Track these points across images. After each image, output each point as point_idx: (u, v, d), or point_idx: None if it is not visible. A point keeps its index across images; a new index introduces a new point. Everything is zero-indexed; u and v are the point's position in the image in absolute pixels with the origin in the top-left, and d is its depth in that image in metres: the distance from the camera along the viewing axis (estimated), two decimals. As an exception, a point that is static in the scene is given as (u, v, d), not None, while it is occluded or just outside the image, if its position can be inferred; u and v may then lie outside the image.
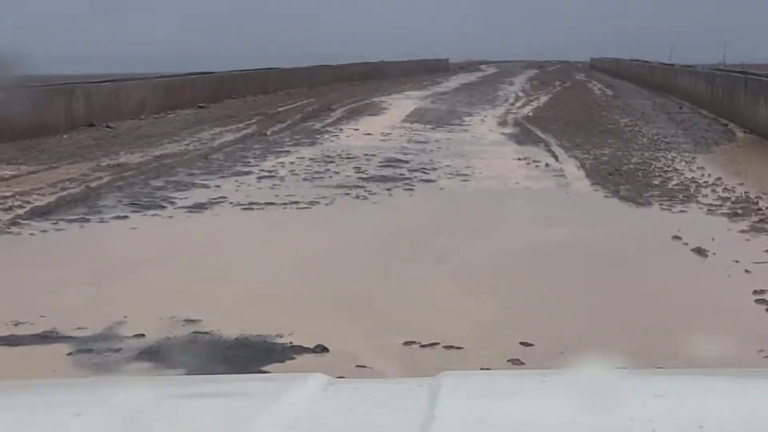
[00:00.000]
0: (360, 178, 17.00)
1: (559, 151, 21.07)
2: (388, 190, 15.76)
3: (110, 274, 9.76)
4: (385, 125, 27.23)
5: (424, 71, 71.83)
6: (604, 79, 57.84)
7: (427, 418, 1.76)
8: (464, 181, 16.84)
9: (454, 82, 57.65)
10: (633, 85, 50.38)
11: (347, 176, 17.23)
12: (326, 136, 24.40)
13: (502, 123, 28.32)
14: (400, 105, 35.09)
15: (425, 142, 23.09)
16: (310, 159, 19.72)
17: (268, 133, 24.76)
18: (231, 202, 14.40)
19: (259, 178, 17.13)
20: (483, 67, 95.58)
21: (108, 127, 25.44)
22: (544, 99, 38.48)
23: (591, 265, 10.10)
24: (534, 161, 19.32)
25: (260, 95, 39.44)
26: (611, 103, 35.49)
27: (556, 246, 11.04)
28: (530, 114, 30.90)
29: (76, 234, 12.01)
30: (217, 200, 14.58)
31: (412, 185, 16.32)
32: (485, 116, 30.53)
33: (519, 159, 19.78)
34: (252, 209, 13.86)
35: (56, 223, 12.61)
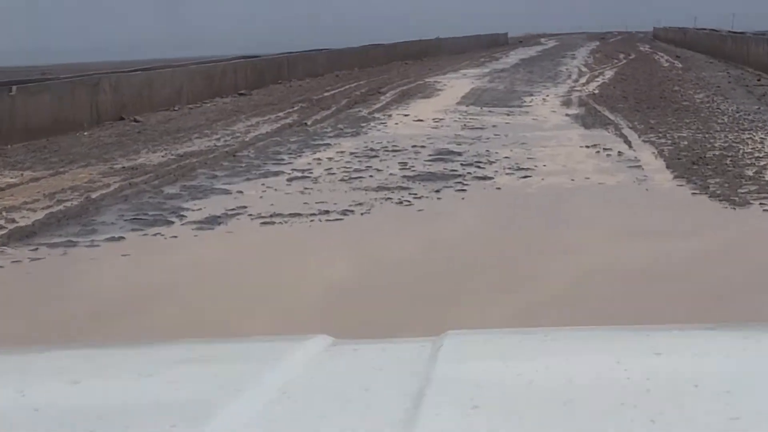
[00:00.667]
0: (405, 176, 14.77)
1: (631, 135, 18.69)
2: (437, 192, 13.52)
3: (71, 328, 7.61)
4: (437, 109, 24.94)
5: (482, 47, 69.36)
6: (671, 50, 55.01)
7: (424, 381, 1.75)
8: (525, 177, 14.53)
9: (513, 57, 55.11)
10: (702, 55, 47.57)
11: (390, 174, 15.01)
12: (372, 124, 22.17)
13: (566, 103, 25.91)
14: (456, 85, 32.75)
15: (481, 128, 20.79)
16: (351, 153, 17.52)
17: (309, 122, 22.57)
18: (250, 214, 12.23)
19: (290, 179, 14.96)
20: (543, 40, 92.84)
21: (135, 121, 23.40)
22: (609, 74, 35.92)
23: (699, 303, 7.74)
24: (604, 149, 16.96)
25: (307, 79, 37.28)
26: (682, 77, 32.87)
27: (645, 271, 8.71)
28: (596, 91, 28.43)
29: (53, 266, 9.87)
30: (235, 211, 12.43)
31: (466, 184, 14.06)
32: (547, 95, 28.11)
33: (587, 146, 17.43)
34: (273, 223, 11.68)
35: (35, 250, 10.51)
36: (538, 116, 23.11)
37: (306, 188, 14.14)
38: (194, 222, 11.85)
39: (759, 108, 22.70)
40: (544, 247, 9.92)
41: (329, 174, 15.31)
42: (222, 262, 9.82)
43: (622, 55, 51.06)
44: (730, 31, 49.72)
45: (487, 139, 19.03)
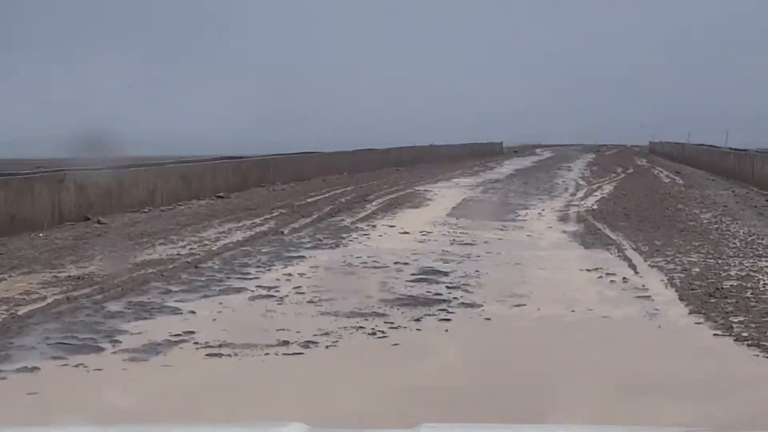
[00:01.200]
0: (383, 300, 13.00)
1: (636, 258, 16.97)
2: (417, 321, 11.75)
3: None
4: (426, 221, 23.27)
5: (476, 155, 68.15)
6: (669, 165, 53.68)
7: None
8: (518, 306, 12.75)
9: (508, 167, 53.73)
10: (703, 172, 46.16)
11: (367, 297, 13.24)
12: (354, 235, 20.47)
13: (563, 218, 24.26)
14: (447, 195, 31.14)
15: (472, 244, 19.09)
16: (327, 269, 15.79)
17: (286, 231, 20.87)
18: (197, 342, 10.43)
19: (252, 298, 13.20)
20: (538, 151, 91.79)
21: (99, 222, 21.68)
22: (608, 188, 34.37)
23: None
24: (607, 273, 15.24)
25: (293, 183, 35.69)
26: (686, 194, 31.29)
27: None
28: (595, 207, 26.80)
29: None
30: (180, 337, 10.63)
31: (451, 312, 12.29)
32: (543, 209, 26.49)
33: (588, 270, 15.70)
34: (220, 356, 9.88)
35: (-75, 384, 8.67)
36: (533, 232, 21.43)
37: (268, 310, 12.38)
38: (128, 350, 10.04)
39: (773, 232, 21.05)
40: (532, 407, 8.08)
41: (298, 293, 13.54)
42: (141, 412, 7.96)
43: (620, 169, 49.66)
44: (731, 148, 48.42)
45: (478, 257, 17.31)
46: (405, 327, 11.42)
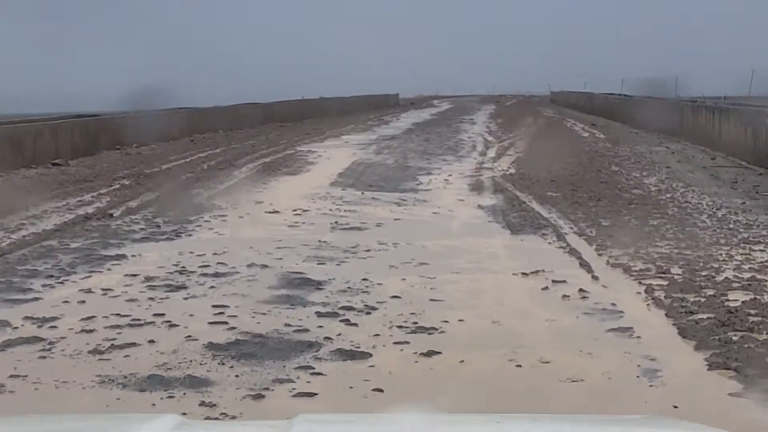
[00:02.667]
0: (210, 346, 8.09)
1: (586, 251, 12.29)
2: (258, 397, 6.85)
3: None
4: (304, 193, 18.36)
5: (370, 108, 63.17)
6: (581, 117, 49.31)
7: None
8: (428, 355, 7.90)
9: (405, 120, 48.88)
10: (619, 124, 41.78)
11: (187, 338, 8.32)
12: (207, 217, 15.50)
13: (476, 187, 19.51)
14: (334, 156, 26.18)
15: (359, 230, 14.27)
16: (146, 280, 10.79)
17: (118, 212, 15.83)
18: None
19: (4, 346, 8.17)
20: (435, 102, 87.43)
21: None
22: (521, 145, 29.69)
23: None
24: (554, 281, 10.48)
25: (156, 144, 30.37)
26: (615, 152, 26.75)
27: None
28: (512, 170, 22.10)
29: None
30: None
31: (316, 372, 7.45)
32: (450, 174, 21.71)
33: (524, 274, 10.94)
34: None
35: None
36: (440, 208, 16.63)
37: (16, 372, 7.38)
38: None
39: (745, 203, 16.48)
40: None
41: (83, 332, 8.57)
42: None
43: (529, 119, 45.15)
44: (650, 97, 44.16)
45: (367, 251, 12.46)
46: (233, 405, 6.52)
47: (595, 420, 2.70)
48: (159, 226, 14.62)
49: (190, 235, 13.99)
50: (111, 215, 15.63)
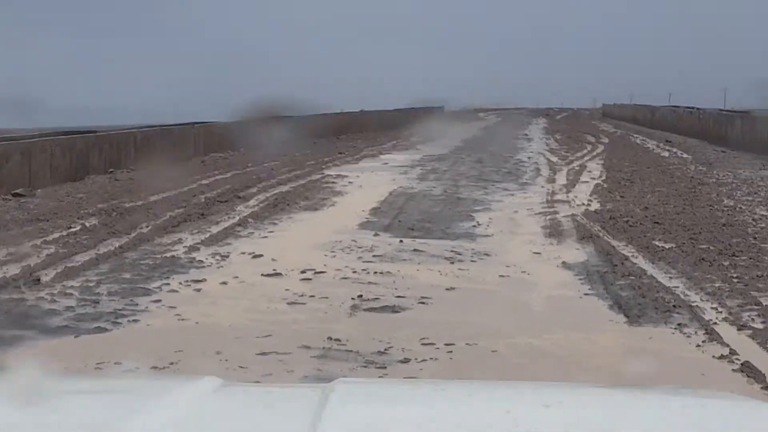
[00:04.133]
0: None
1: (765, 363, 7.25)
2: None
3: None
4: (320, 242, 13.53)
5: (415, 121, 58.24)
6: (647, 133, 44.11)
7: (313, 424, 1.76)
8: None
9: (452, 137, 43.89)
10: (696, 141, 36.57)
11: None
12: (173, 284, 10.79)
13: (554, 230, 14.56)
14: (368, 183, 21.32)
15: (394, 310, 9.48)
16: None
17: (49, 277, 11.04)
18: None
19: None
20: (482, 115, 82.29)
21: None
22: (594, 168, 24.64)
23: None
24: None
25: (160, 166, 25.58)
26: (718, 179, 21.60)
27: None
28: (595, 205, 17.13)
29: None
30: None
31: None
32: (515, 210, 16.78)
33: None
34: None
35: None
36: (510, 267, 11.70)
37: None
38: None
39: None
40: None
41: None
42: None
43: (590, 137, 40.04)
44: (732, 110, 39.09)
45: (403, 363, 7.59)
46: None
47: (619, 388, 2.69)
48: (97, 303, 9.82)
49: (136, 320, 9.19)
50: (38, 280, 10.83)
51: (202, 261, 12.25)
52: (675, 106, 55.78)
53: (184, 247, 13.21)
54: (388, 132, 45.69)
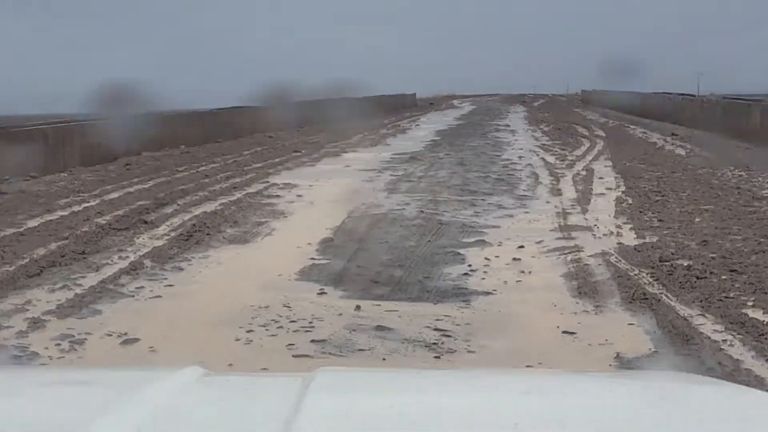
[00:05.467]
0: None
1: None
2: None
3: None
4: (237, 306, 8.88)
5: (385, 110, 53.55)
6: (642, 123, 39.49)
7: (293, 412, 1.76)
8: None
9: (426, 128, 39.35)
10: (702, 133, 31.99)
11: None
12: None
13: (583, 283, 9.90)
14: (322, 198, 16.61)
15: None
16: None
17: None
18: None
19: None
20: (456, 102, 78.14)
21: None
22: (605, 174, 19.93)
23: None
24: None
25: (73, 169, 20.90)
26: (762, 187, 16.99)
27: None
28: (630, 236, 12.43)
29: None
30: None
31: None
32: (519, 245, 12.10)
33: None
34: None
35: None
36: (532, 364, 6.92)
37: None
38: None
39: None
40: None
41: None
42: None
43: (581, 129, 35.44)
44: (751, 98, 34.52)
45: None
46: None
47: (601, 375, 2.88)
48: None
49: None
50: None
51: (37, 353, 7.58)
52: (667, 93, 51.17)
53: (25, 320, 8.52)
54: (355, 123, 40.93)
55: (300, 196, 16.74)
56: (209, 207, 15.17)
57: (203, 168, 21.45)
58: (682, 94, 46.75)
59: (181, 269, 10.86)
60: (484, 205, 15.38)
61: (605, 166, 20.92)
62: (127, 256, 11.44)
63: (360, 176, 19.82)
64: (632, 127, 37.03)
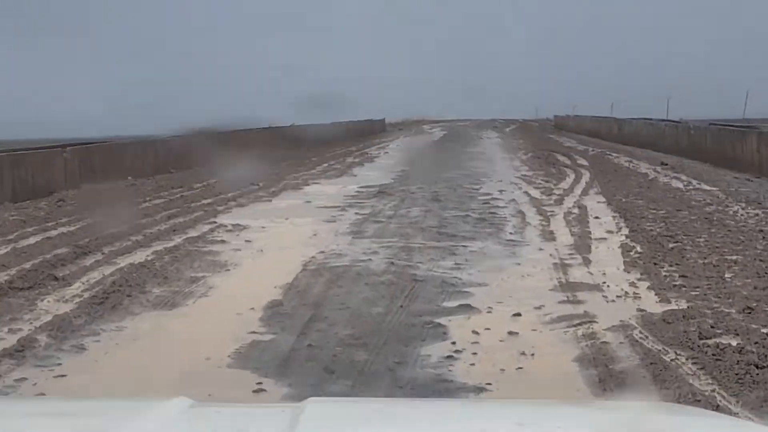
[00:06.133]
0: None
1: None
2: None
3: None
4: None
5: (353, 136, 51.34)
6: (626, 151, 37.32)
7: None
8: None
9: (395, 155, 37.11)
10: (693, 162, 29.84)
11: None
12: None
13: (604, 375, 7.49)
14: (274, 244, 14.18)
15: None
16: None
17: None
18: None
19: None
20: (426, 128, 76.02)
21: None
22: (600, 209, 17.58)
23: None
24: None
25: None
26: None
27: None
28: (652, 301, 9.98)
29: None
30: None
31: None
32: (515, 312, 9.59)
33: None
34: None
35: None
36: None
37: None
38: None
39: None
40: None
41: None
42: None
43: (561, 157, 33.18)
44: (717, 123, 32.39)
45: None
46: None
47: (593, 406, 2.75)
48: None
49: None
50: None
51: None
52: (648, 118, 49.05)
53: None
54: (321, 150, 38.70)
55: (249, 241, 14.28)
56: (138, 257, 12.70)
57: (145, 204, 18.99)
58: (664, 120, 44.59)
59: (82, 349, 8.42)
60: (465, 253, 12.96)
61: (598, 203, 18.56)
62: (19, 329, 8.99)
63: (321, 215, 17.40)
64: (615, 155, 34.79)
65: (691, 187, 21.49)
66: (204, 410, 2.10)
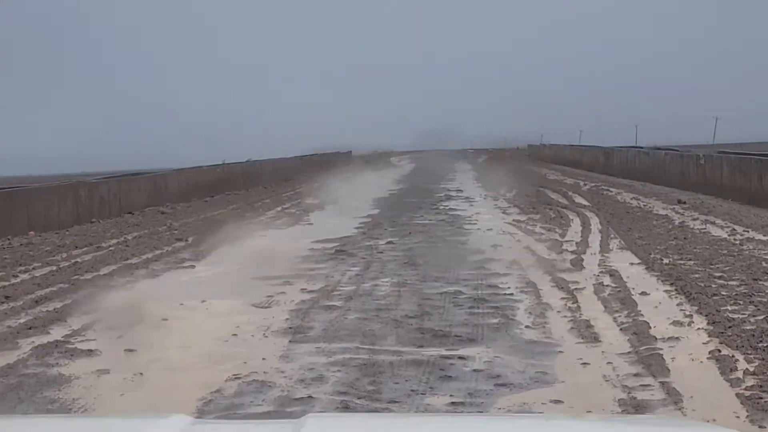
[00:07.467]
0: None
1: None
2: None
3: None
4: None
5: (317, 171, 46.70)
6: (616, 183, 32.64)
7: None
8: None
9: (361, 195, 32.04)
10: (705, 197, 25.14)
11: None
12: None
13: None
14: (171, 354, 9.19)
15: None
16: None
17: None
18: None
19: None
20: (394, 160, 71.65)
21: None
22: (641, 280, 12.65)
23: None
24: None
25: None
26: None
27: None
28: None
29: None
30: None
31: None
32: None
33: None
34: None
35: None
36: None
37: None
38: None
39: None
40: None
41: None
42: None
43: (555, 195, 28.39)
44: (725, 151, 27.76)
45: None
46: None
47: (608, 420, 2.72)
48: None
49: None
50: None
51: None
52: (639, 147, 44.47)
53: None
54: (278, 189, 34.00)
55: (132, 351, 9.32)
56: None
57: (23, 276, 14.09)
58: (662, 149, 39.88)
59: None
60: (466, 374, 8.07)
61: (632, 264, 13.72)
62: None
63: (254, 292, 12.46)
64: (614, 190, 30.07)
65: (738, 235, 16.68)
66: (205, 427, 2.09)
